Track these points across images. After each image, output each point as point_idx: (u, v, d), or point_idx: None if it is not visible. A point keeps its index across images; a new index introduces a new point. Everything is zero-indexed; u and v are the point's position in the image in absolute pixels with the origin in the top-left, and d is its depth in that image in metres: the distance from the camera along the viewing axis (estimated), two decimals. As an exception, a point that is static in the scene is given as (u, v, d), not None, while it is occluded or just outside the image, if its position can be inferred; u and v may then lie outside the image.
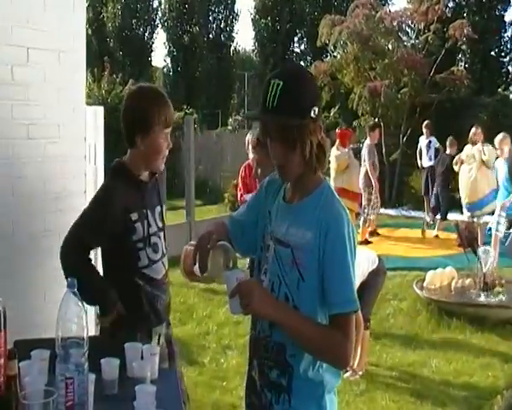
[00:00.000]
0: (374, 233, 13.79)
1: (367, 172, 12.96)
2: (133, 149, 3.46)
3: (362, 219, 13.12)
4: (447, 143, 14.11)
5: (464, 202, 12.08)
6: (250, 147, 6.24)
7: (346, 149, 12.45)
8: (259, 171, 4.61)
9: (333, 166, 12.22)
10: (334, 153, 12.22)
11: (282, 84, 2.35)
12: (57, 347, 2.47)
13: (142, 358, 2.99)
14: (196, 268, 2.57)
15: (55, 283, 2.49)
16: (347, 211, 2.48)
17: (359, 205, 12.73)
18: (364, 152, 13.06)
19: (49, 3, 4.78)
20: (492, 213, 11.00)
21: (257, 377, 2.58)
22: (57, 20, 4.84)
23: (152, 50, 30.79)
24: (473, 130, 12.19)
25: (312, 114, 2.40)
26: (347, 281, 2.38)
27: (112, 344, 3.09)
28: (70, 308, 2.47)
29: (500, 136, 10.62)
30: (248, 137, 6.51)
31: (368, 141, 13.17)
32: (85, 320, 2.50)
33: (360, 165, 13.06)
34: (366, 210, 13.17)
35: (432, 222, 14.48)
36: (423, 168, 15.90)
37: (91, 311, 4.91)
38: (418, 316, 8.50)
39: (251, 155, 6.28)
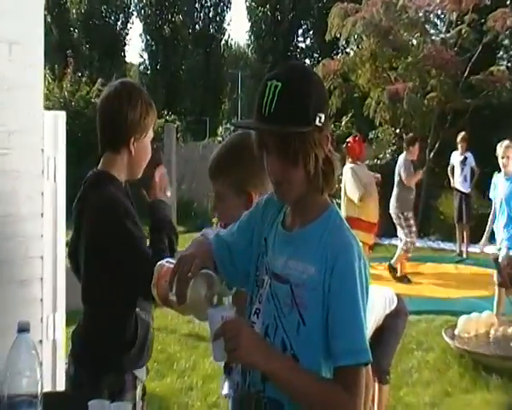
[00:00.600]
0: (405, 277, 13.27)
1: (401, 192, 12.93)
2: (119, 154, 3.56)
3: (401, 249, 12.98)
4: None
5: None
6: None
7: (363, 165, 12.41)
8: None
9: (346, 186, 12.07)
10: (347, 171, 12.00)
11: (281, 86, 2.34)
12: (3, 405, 2.47)
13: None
14: (172, 296, 2.54)
15: (9, 325, 2.48)
16: (358, 241, 2.46)
17: (375, 236, 12.65)
18: (399, 167, 13.01)
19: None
20: None
21: None
22: (8, 5, 4.85)
23: (125, 44, 31.02)
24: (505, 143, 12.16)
25: (317, 122, 2.38)
26: (357, 326, 2.35)
27: (73, 402, 3.09)
28: (21, 358, 2.47)
29: (506, 142, 10.30)
30: None
31: (404, 155, 13.13)
32: (40, 373, 2.50)
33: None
34: (408, 239, 13.04)
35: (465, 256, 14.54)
36: (456, 190, 15.87)
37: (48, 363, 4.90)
38: (448, 371, 8.47)
39: None
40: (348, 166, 11.77)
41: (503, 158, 9.95)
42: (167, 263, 2.68)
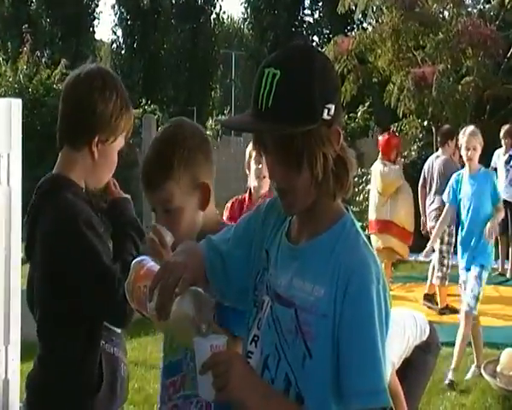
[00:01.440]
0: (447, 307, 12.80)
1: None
2: (79, 153, 3.49)
3: (440, 273, 12.84)
4: None
5: None
6: (252, 162, 6.25)
7: (397, 166, 12.50)
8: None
9: (377, 188, 12.25)
10: (377, 169, 12.27)
11: (280, 74, 2.35)
12: None
13: None
14: (151, 308, 2.53)
15: None
16: (377, 259, 2.46)
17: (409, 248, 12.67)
18: (439, 169, 12.93)
19: None
20: None
21: None
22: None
23: (95, 17, 31.06)
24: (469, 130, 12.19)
25: (326, 115, 2.38)
26: (374, 362, 2.35)
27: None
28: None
29: (470, 128, 9.63)
30: (249, 149, 6.51)
31: (441, 153, 13.08)
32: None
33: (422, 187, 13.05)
34: (446, 260, 12.90)
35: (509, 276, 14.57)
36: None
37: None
38: (489, 414, 8.50)
39: (253, 177, 6.27)
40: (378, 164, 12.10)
41: (467, 150, 9.25)
42: (148, 263, 2.71)
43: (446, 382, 8.71)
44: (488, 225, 8.79)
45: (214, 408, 3.06)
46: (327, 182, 2.43)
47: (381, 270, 2.43)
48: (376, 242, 11.46)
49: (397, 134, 15.07)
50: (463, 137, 9.20)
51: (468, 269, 8.92)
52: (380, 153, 12.49)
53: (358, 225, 2.54)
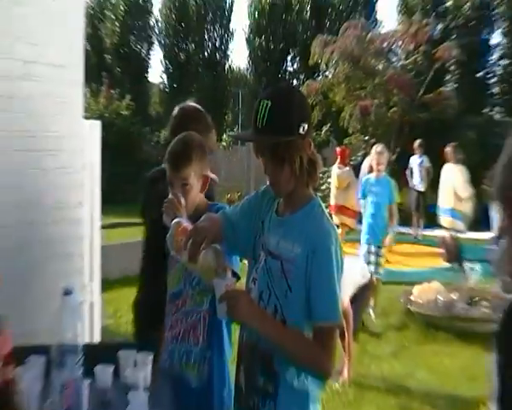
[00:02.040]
0: None
1: None
2: None
3: None
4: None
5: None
6: None
7: (348, 168, 12.50)
8: None
9: (334, 183, 12.27)
10: (335, 171, 12.30)
11: (271, 104, 2.38)
12: (53, 354, 2.48)
13: (135, 365, 2.99)
14: (185, 253, 2.59)
15: (52, 291, 2.50)
16: (335, 228, 2.49)
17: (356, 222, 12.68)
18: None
19: (48, 20, 4.79)
20: None
21: (243, 382, 2.58)
22: (56, 36, 4.85)
23: (149, 67, 30.83)
24: (449, 149, 12.14)
25: (301, 131, 2.41)
26: (332, 295, 2.38)
27: (106, 351, 3.10)
28: (65, 315, 2.48)
29: (379, 147, 9.03)
30: None
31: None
32: (80, 328, 2.52)
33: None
34: None
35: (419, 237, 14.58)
36: (414, 186, 15.91)
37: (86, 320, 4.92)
38: (405, 329, 8.48)
39: None
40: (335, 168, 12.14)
41: (378, 165, 8.75)
42: (183, 223, 2.75)
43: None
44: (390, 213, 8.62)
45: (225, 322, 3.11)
46: (302, 176, 2.46)
47: (337, 235, 2.45)
48: (335, 218, 11.47)
49: (348, 147, 15.03)
50: (375, 154, 8.77)
51: (369, 244, 8.53)
52: (337, 159, 12.48)
53: (323, 205, 2.57)
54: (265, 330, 2.40)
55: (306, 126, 2.42)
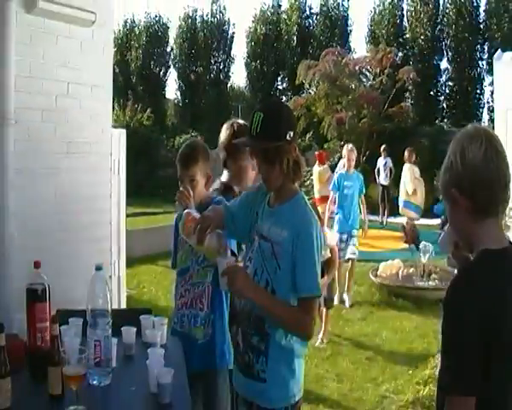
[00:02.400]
0: None
1: None
2: None
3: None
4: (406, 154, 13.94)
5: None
6: None
7: (326, 166, 12.50)
8: None
9: (316, 179, 12.25)
10: (316, 170, 12.27)
11: (263, 115, 2.39)
12: (88, 316, 2.50)
13: (153, 327, 3.02)
14: (193, 237, 2.62)
15: (87, 267, 2.52)
16: (316, 218, 2.49)
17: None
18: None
19: (85, 48, 4.80)
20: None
21: (241, 341, 2.58)
22: (91, 61, 4.85)
23: (165, 86, 30.66)
24: (406, 152, 12.18)
25: (288, 137, 2.41)
26: (313, 272, 2.39)
27: (130, 316, 3.12)
28: (97, 286, 2.51)
29: (350, 145, 8.73)
30: None
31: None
32: (109, 296, 2.54)
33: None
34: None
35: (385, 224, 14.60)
36: (380, 184, 16.01)
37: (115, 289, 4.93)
38: (373, 298, 8.53)
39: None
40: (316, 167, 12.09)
41: (349, 160, 8.37)
42: (193, 213, 2.79)
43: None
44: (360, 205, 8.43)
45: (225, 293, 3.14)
46: (289, 174, 2.46)
47: (318, 223, 2.46)
48: (320, 207, 11.47)
49: (326, 150, 15.02)
50: (346, 151, 8.46)
51: (342, 233, 8.06)
52: (317, 160, 12.46)
53: (306, 198, 2.57)
54: (258, 299, 2.40)
55: (292, 134, 2.42)
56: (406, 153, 12.12)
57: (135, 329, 2.91)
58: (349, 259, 8.19)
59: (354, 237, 8.25)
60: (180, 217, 2.92)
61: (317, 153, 13.24)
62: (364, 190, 8.66)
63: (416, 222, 11.43)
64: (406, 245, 9.92)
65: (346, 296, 8.29)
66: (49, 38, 4.52)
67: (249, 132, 2.43)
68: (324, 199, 11.94)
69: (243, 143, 2.70)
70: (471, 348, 1.57)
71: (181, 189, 3.16)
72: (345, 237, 8.15)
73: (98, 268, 2.51)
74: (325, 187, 12.08)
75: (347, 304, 8.17)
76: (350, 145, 8.75)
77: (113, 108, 23.84)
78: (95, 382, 2.47)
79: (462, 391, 1.57)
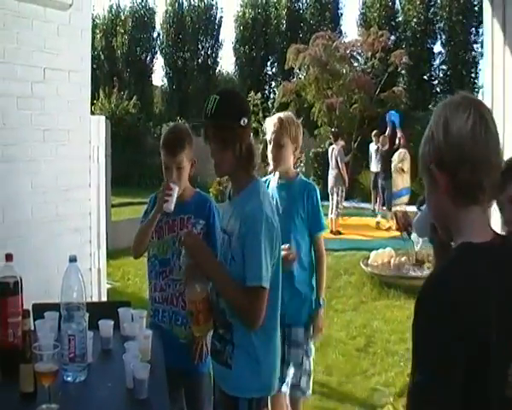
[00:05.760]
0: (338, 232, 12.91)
1: (339, 171, 12.89)
2: None
3: (335, 212, 12.90)
4: (380, 140, 14.17)
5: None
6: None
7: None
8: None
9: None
10: None
11: (219, 98, 2.47)
12: (62, 310, 2.47)
13: (132, 320, 2.99)
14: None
15: (64, 258, 2.48)
16: (272, 207, 2.53)
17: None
18: (336, 155, 12.93)
19: (62, 32, 4.75)
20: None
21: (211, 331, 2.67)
22: (68, 46, 4.79)
23: (152, 72, 30.53)
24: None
25: (242, 123, 2.47)
26: (257, 261, 2.39)
27: (108, 309, 3.09)
28: (71, 279, 2.48)
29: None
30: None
31: (335, 145, 13.17)
32: (84, 288, 2.51)
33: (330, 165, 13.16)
34: (339, 205, 13.00)
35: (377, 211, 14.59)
36: (372, 170, 15.83)
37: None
38: (364, 287, 8.54)
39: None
40: None
41: None
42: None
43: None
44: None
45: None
46: (241, 161, 2.51)
47: (271, 214, 2.46)
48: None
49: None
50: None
51: None
52: None
53: (264, 186, 2.67)
54: (209, 268, 2.51)
55: (247, 121, 2.48)
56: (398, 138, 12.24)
57: (112, 322, 2.88)
58: None
59: None
60: (153, 198, 3.11)
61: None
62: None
63: (408, 209, 11.44)
64: (398, 233, 9.92)
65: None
66: (23, 22, 4.45)
67: (204, 114, 2.49)
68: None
69: (198, 122, 2.75)
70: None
71: (162, 187, 3.14)
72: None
73: (72, 260, 2.47)
74: None
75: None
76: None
77: (98, 95, 23.92)
78: (69, 378, 2.44)
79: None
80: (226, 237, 2.53)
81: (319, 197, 3.61)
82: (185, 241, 2.57)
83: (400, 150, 12.04)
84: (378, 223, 13.56)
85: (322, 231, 3.70)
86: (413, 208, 12.18)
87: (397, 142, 13.06)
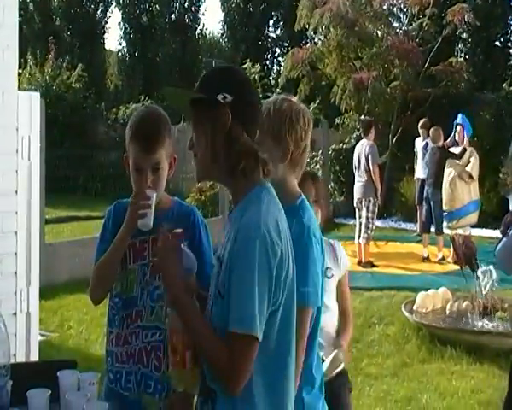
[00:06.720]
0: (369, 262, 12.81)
1: (371, 177, 12.65)
2: None
3: (365, 235, 12.74)
4: (430, 133, 13.65)
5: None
6: None
7: None
8: None
9: None
10: None
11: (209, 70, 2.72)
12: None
13: (78, 388, 2.95)
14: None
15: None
16: (272, 220, 2.48)
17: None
18: (367, 154, 12.73)
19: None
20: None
21: None
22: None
23: (105, 31, 30.74)
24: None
25: (220, 99, 2.50)
26: (247, 298, 2.36)
27: (43, 372, 3.05)
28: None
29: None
30: None
31: (366, 140, 12.98)
32: (8, 345, 2.47)
33: (355, 168, 13.02)
34: (370, 225, 12.74)
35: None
36: (418, 176, 15.59)
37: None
38: (407, 343, 8.52)
39: None
40: None
41: None
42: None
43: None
44: None
45: None
46: (232, 157, 2.51)
47: (275, 235, 2.42)
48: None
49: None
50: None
51: None
52: None
53: (271, 192, 2.59)
54: (180, 303, 2.51)
55: (228, 98, 2.51)
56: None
57: (48, 392, 2.85)
58: None
59: None
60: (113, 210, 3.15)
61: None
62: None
63: (472, 232, 11.48)
64: (457, 267, 9.90)
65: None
66: None
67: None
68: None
69: (173, 103, 2.86)
70: None
71: (134, 197, 3.14)
72: None
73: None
74: None
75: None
76: None
77: (26, 62, 23.94)
78: None
79: None
80: (218, 265, 2.52)
81: None
82: (156, 249, 2.62)
83: (468, 149, 12.02)
84: (427, 258, 13.27)
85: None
86: (480, 231, 12.24)
87: (456, 137, 13.01)
